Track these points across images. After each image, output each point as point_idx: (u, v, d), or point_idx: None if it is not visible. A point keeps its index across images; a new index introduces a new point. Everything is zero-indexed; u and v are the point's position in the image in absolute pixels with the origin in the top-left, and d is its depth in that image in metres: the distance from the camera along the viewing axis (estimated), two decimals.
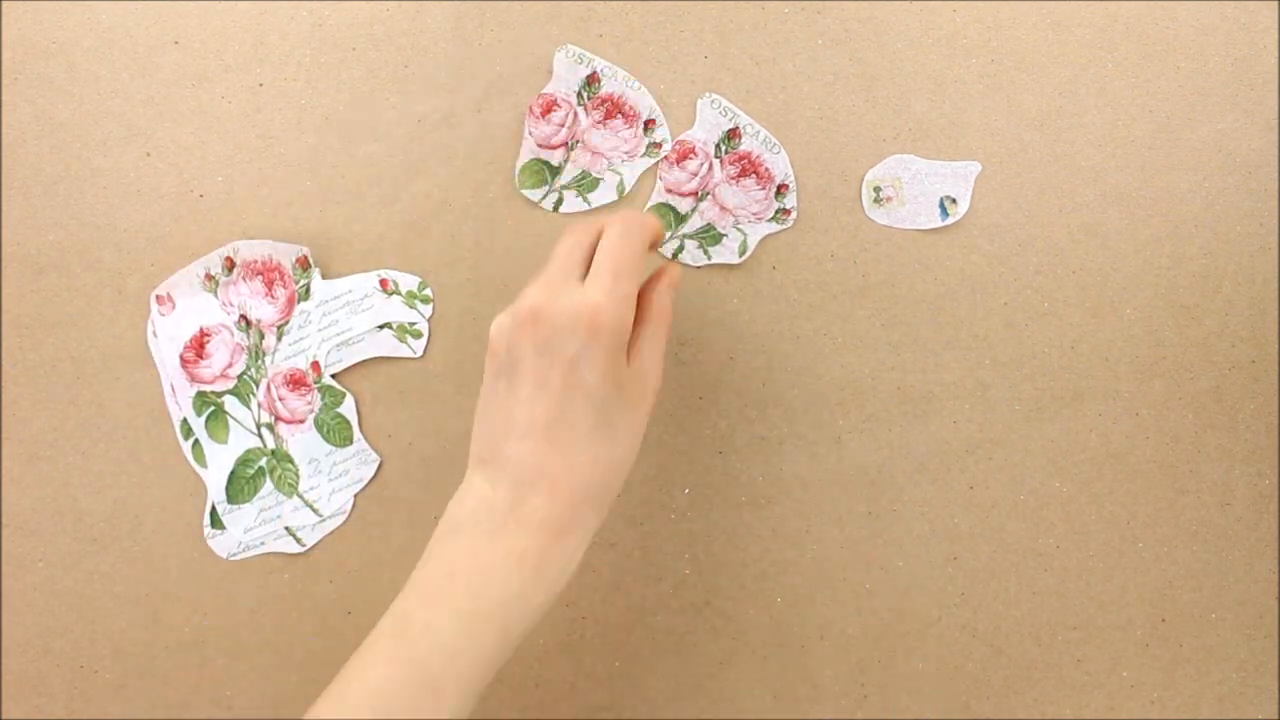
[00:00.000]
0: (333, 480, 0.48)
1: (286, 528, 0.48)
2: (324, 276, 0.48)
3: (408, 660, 0.31)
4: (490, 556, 0.32)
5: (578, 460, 0.33)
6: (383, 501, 0.48)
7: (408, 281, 0.48)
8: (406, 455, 0.48)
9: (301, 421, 0.48)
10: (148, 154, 0.49)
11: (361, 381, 0.48)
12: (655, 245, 0.42)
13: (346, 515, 0.48)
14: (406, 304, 0.48)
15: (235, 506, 0.47)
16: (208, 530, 0.47)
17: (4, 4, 0.49)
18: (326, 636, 0.48)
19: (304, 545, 0.48)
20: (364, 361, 0.48)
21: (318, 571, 0.48)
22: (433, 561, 0.34)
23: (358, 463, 0.48)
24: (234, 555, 0.47)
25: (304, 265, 0.48)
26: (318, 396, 0.48)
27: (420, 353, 0.48)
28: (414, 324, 0.48)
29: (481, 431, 0.36)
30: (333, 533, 0.48)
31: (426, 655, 0.31)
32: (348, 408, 0.48)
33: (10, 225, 0.49)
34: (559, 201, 0.49)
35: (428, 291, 0.48)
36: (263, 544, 0.48)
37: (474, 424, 0.37)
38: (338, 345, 0.48)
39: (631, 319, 0.35)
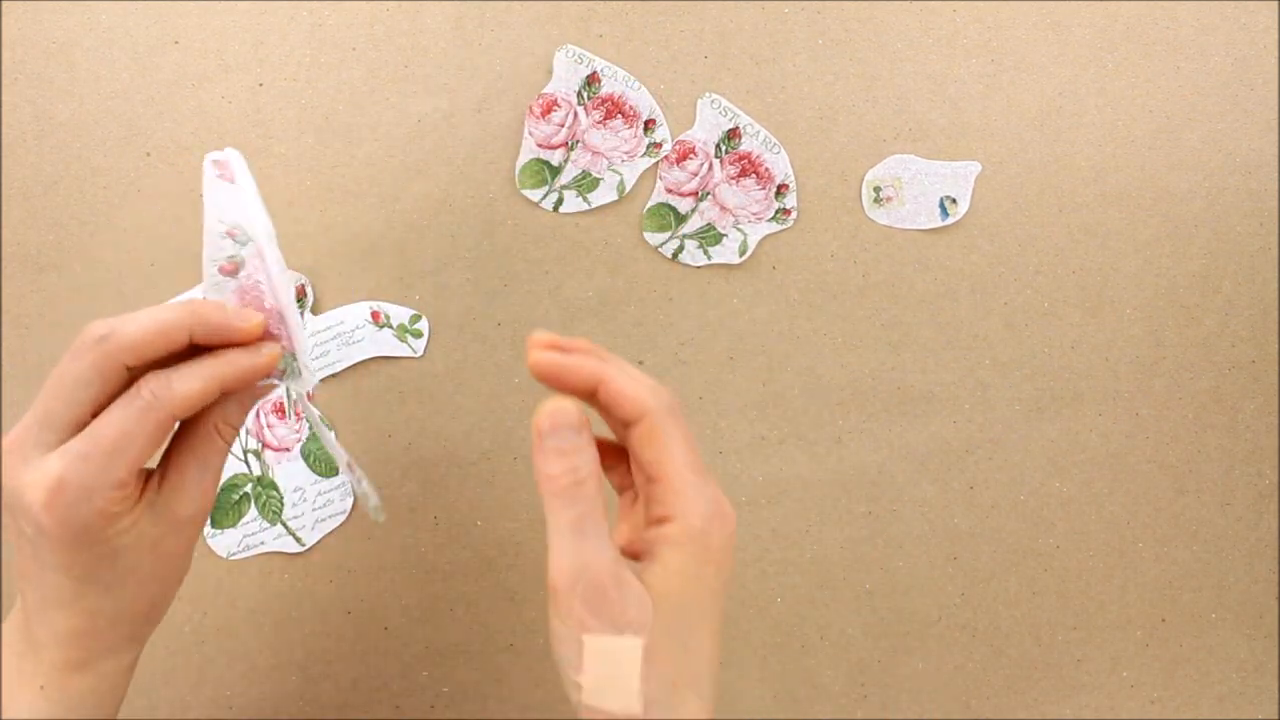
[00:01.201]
0: (316, 510, 0.48)
1: (285, 526, 0.48)
2: (318, 298, 0.48)
3: None
4: (18, 686, 0.33)
5: (77, 623, 0.33)
6: (383, 501, 0.48)
7: (399, 314, 0.48)
8: (406, 455, 0.48)
9: (288, 450, 0.48)
10: (148, 154, 0.49)
11: (362, 381, 0.48)
12: (245, 381, 0.32)
13: (346, 514, 0.48)
14: (398, 337, 0.48)
15: (219, 531, 0.47)
16: (208, 530, 0.47)
17: (4, 4, 0.49)
18: (326, 636, 0.48)
19: (304, 545, 0.48)
20: (364, 361, 0.48)
21: (318, 571, 0.48)
22: None
23: (342, 494, 0.48)
24: (234, 555, 0.47)
25: (299, 295, 0.48)
26: (305, 426, 0.48)
27: (420, 353, 0.48)
28: (414, 323, 0.48)
29: None
30: (333, 533, 0.48)
31: None
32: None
33: (10, 225, 0.48)
34: (559, 201, 0.49)
35: (419, 325, 0.48)
36: (263, 544, 0.48)
37: None
38: (330, 367, 0.48)
39: (109, 480, 0.30)
